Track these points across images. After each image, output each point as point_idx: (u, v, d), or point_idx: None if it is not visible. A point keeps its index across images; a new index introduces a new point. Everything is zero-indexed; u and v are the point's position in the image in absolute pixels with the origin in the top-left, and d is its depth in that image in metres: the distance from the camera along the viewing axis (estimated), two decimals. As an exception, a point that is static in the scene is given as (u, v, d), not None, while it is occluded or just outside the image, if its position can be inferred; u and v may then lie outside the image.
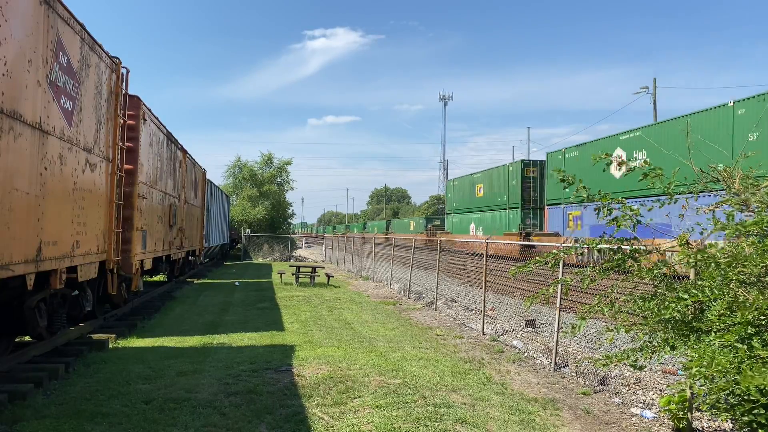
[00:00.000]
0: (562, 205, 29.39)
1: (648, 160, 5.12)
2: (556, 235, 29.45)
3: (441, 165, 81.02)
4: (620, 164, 5.30)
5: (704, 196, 5.21)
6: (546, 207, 31.89)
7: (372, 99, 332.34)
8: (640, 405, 6.25)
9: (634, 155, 22.73)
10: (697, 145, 16.40)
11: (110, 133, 8.97)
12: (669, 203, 5.09)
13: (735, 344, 3.84)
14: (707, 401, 4.39)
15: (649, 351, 4.79)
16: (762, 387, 3.41)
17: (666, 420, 5.70)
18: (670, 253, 5.10)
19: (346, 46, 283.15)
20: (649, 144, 21.42)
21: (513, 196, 35.63)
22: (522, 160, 35.97)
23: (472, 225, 41.79)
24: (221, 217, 30.88)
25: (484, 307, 10.99)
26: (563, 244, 5.92)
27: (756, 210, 4.43)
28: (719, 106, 19.38)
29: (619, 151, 24.22)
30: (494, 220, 37.92)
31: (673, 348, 4.61)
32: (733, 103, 18.77)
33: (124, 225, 9.88)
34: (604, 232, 5.04)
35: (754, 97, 18.00)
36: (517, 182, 35.04)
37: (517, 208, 34.96)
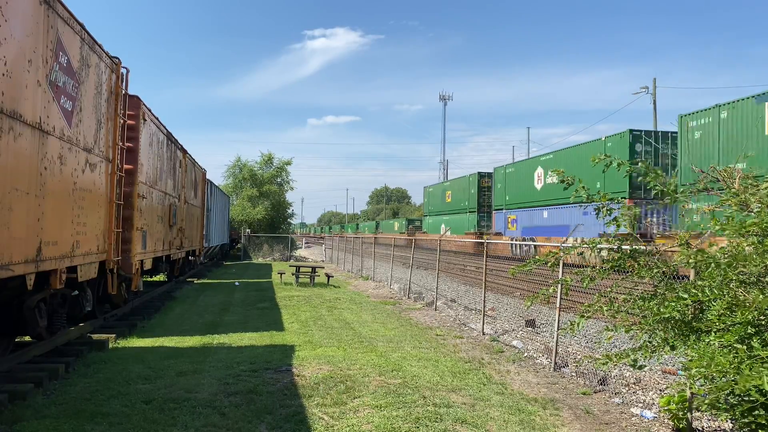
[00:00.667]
0: (504, 210, 36.36)
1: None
2: (499, 234, 36.37)
3: (441, 165, 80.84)
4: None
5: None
6: (493, 211, 39.31)
7: (372, 99, 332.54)
8: (640, 405, 6.25)
9: (549, 173, 29.67)
10: (581, 170, 22.62)
11: (110, 133, 8.97)
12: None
13: (735, 344, 3.84)
14: (706, 401, 4.39)
15: (649, 351, 4.79)
16: (761, 387, 3.41)
17: (666, 420, 5.71)
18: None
19: (345, 46, 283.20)
20: (558, 164, 28.43)
21: (472, 202, 44.02)
22: (479, 173, 43.80)
23: (443, 226, 49.47)
24: (221, 217, 30.88)
25: (484, 307, 10.99)
26: (563, 245, 5.93)
27: (756, 210, 4.43)
28: (596, 140, 26.71)
29: (539, 169, 31.37)
30: (459, 221, 46.33)
31: (673, 348, 4.61)
32: (605, 138, 25.85)
33: (124, 225, 9.87)
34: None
35: (616, 134, 24.94)
36: (474, 191, 43.52)
37: (475, 212, 43.39)
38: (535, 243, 24.69)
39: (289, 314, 12.46)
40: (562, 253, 5.89)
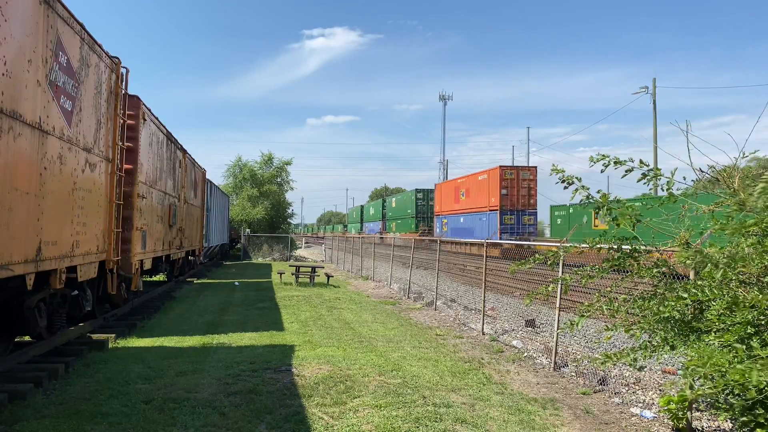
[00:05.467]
0: (365, 222, 71.11)
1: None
2: (361, 232, 62.17)
3: (441, 165, 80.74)
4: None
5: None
6: (363, 222, 72.93)
7: (371, 99, 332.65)
8: (640, 405, 6.25)
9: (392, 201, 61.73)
10: (404, 210, 52.50)
11: (110, 133, 8.97)
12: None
13: (734, 344, 3.84)
14: (698, 391, 4.38)
15: (649, 350, 4.79)
16: (759, 385, 3.41)
17: (666, 420, 5.71)
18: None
19: (344, 45, 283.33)
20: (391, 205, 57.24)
21: (358, 218, 77.03)
22: (361, 206, 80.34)
23: (353, 229, 78.06)
24: (221, 217, 30.87)
25: (484, 306, 10.99)
26: (563, 244, 5.93)
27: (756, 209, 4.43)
28: (412, 191, 50.16)
29: (371, 207, 71.36)
30: (356, 227, 78.01)
31: (672, 348, 4.61)
32: (414, 189, 48.57)
33: (123, 225, 9.87)
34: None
35: (425, 189, 48.71)
36: (359, 214, 79.28)
37: (359, 222, 77.66)
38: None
39: (289, 314, 12.46)
40: (562, 252, 5.89)
